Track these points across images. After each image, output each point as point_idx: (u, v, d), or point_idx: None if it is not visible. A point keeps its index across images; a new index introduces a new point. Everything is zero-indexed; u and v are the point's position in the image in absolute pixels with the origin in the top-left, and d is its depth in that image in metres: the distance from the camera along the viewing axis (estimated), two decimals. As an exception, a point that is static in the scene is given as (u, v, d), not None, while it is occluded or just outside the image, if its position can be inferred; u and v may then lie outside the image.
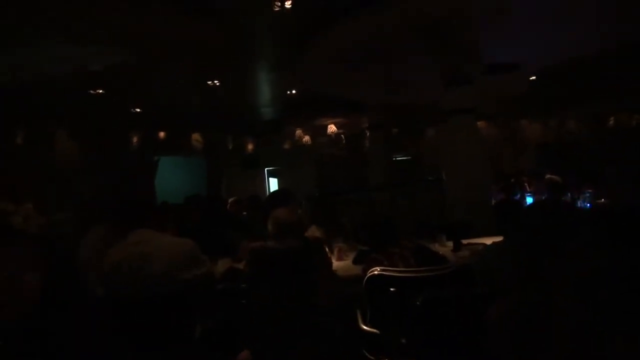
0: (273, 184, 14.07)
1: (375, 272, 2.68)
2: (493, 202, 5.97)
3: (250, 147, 12.72)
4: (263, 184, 13.76)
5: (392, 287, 2.62)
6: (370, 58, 6.77)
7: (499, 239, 2.77)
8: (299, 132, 11.77)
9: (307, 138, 11.84)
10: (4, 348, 1.09)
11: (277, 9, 5.45)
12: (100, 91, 8.10)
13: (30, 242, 1.26)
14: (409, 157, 13.21)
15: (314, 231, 3.88)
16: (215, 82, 8.05)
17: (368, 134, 11.17)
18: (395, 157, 12.38)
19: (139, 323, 2.26)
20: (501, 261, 2.36)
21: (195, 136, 11.42)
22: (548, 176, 6.40)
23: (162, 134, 11.23)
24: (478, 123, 7.00)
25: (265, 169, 13.94)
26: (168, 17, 5.53)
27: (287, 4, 5.42)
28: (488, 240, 3.76)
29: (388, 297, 2.63)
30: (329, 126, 11.38)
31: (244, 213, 6.28)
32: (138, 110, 9.69)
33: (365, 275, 2.75)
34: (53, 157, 10.37)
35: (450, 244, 4.19)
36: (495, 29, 5.76)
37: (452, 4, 5.27)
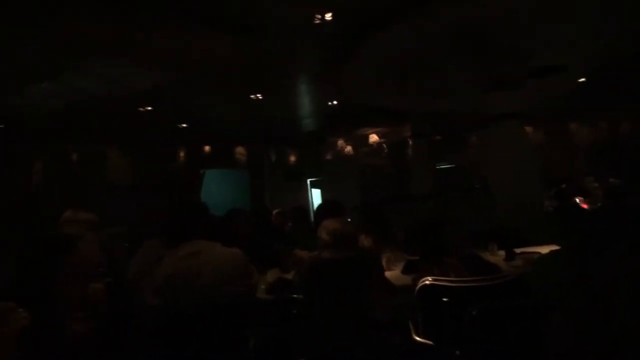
0: (316, 195, 14.12)
1: (427, 282, 2.63)
2: (544, 209, 5.76)
3: (292, 159, 12.84)
4: (306, 196, 13.82)
5: (444, 297, 2.56)
6: (412, 66, 6.72)
7: (554, 247, 2.66)
8: (341, 142, 11.79)
9: (349, 148, 11.85)
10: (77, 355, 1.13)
11: (317, 21, 5.52)
12: (149, 108, 8.41)
13: (95, 252, 1.32)
14: (452, 165, 12.96)
15: (362, 241, 3.84)
16: (258, 95, 8.20)
17: (410, 142, 11.05)
18: (439, 166, 12.17)
19: (193, 333, 2.30)
20: (560, 270, 2.26)
21: (239, 149, 11.65)
22: (611, 180, 6.11)
23: (207, 148, 11.53)
24: (525, 127, 6.79)
25: (308, 180, 14.01)
26: (212, 36, 5.71)
27: (328, 17, 5.47)
28: (543, 249, 3.63)
29: (441, 307, 2.57)
30: (371, 136, 11.35)
31: (289, 224, 6.33)
32: (184, 125, 9.99)
33: (416, 285, 2.70)
34: (105, 173, 10.85)
35: (502, 253, 4.06)
36: (541, 29, 5.60)
37: (497, 6, 5.16)
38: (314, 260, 2.61)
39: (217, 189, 12.27)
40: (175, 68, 6.60)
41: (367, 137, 11.44)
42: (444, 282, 2.60)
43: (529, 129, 9.67)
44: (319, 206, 4.44)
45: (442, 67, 6.82)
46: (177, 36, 5.58)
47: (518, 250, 3.97)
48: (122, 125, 9.47)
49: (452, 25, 5.45)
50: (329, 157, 12.45)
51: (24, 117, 8.12)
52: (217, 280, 2.31)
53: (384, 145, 12.04)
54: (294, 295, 2.74)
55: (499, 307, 2.15)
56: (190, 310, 2.28)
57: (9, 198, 9.55)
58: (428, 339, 2.67)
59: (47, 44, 5.41)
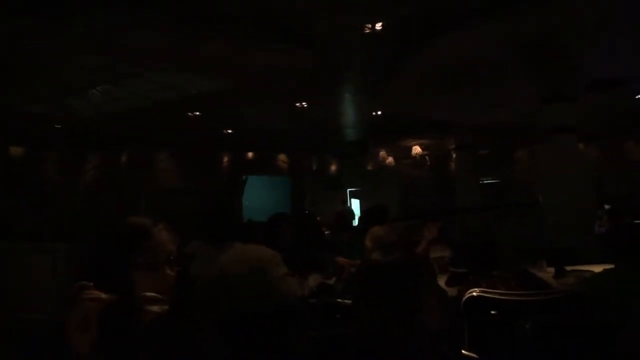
0: (355, 205, 14.08)
1: (475, 294, 2.57)
2: (597, 228, 5.53)
3: (333, 168, 12.87)
4: (345, 205, 13.80)
5: (492, 310, 2.50)
6: (461, 77, 6.63)
7: (607, 266, 2.57)
8: (383, 153, 11.73)
9: (390, 159, 11.77)
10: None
11: (367, 31, 5.55)
12: (197, 113, 8.66)
13: (168, 241, 1.37)
14: (497, 180, 12.63)
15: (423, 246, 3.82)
16: (304, 104, 8.29)
17: (454, 155, 10.87)
18: (483, 180, 11.90)
19: (239, 335, 2.34)
20: (619, 288, 2.18)
21: (282, 157, 11.79)
22: None
23: (250, 154, 11.74)
24: (579, 143, 6.56)
25: (348, 190, 13.99)
26: (261, 44, 5.83)
27: (378, 26, 5.49)
28: (595, 268, 3.49)
29: (488, 320, 2.51)
30: (414, 147, 11.22)
31: (327, 232, 6.36)
32: (230, 131, 10.21)
33: (462, 297, 2.65)
34: (153, 176, 11.23)
35: (550, 270, 3.93)
36: (598, 43, 5.42)
37: (554, 18, 5.03)
38: (366, 263, 2.62)
39: (258, 195, 12.45)
40: (225, 75, 6.77)
41: (409, 149, 11.33)
42: (493, 294, 2.54)
43: (582, 144, 9.33)
44: (365, 212, 4.47)
45: (495, 79, 6.69)
46: (228, 44, 5.73)
47: (569, 268, 3.83)
48: (171, 129, 9.79)
49: (508, 36, 5.35)
50: (370, 167, 12.40)
51: (82, 119, 8.52)
52: (248, 279, 2.37)
53: (427, 157, 11.89)
54: (339, 300, 2.76)
55: (554, 322, 2.08)
56: (233, 310, 2.34)
57: (65, 195, 10.04)
58: (473, 352, 2.60)
59: (112, 51, 5.68)
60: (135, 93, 7.41)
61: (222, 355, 1.38)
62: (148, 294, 1.15)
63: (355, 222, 12.51)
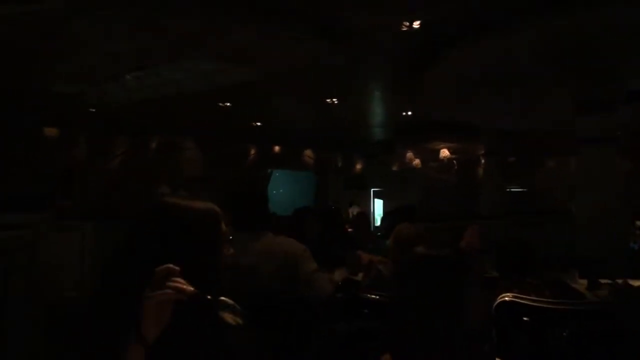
0: (378, 205, 14.02)
1: (507, 299, 2.51)
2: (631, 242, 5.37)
3: (358, 166, 12.82)
4: (368, 204, 13.75)
5: (525, 317, 2.44)
6: (496, 81, 6.51)
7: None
8: (409, 154, 11.62)
9: (417, 161, 11.65)
10: None
11: (404, 28, 5.48)
12: (228, 104, 8.72)
13: None
14: (524, 189, 12.40)
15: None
16: (334, 100, 8.26)
17: (483, 161, 10.71)
18: (510, 188, 11.70)
19: (271, 326, 2.34)
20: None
21: (308, 152, 11.79)
22: None
23: (277, 148, 11.78)
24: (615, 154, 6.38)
25: (372, 190, 13.93)
26: (296, 37, 5.82)
27: (415, 25, 5.42)
28: (634, 282, 3.40)
29: (519, 326, 2.46)
30: (442, 150, 11.09)
31: (349, 229, 6.34)
32: (258, 124, 10.25)
33: (494, 301, 2.59)
34: (179, 164, 11.36)
35: (582, 281, 3.83)
36: (638, 52, 5.25)
37: (593, 26, 4.90)
38: (412, 256, 2.60)
39: (282, 189, 12.50)
40: (257, 67, 6.78)
41: (437, 152, 11.20)
42: (525, 300, 2.47)
43: (618, 156, 9.07)
44: (394, 210, 4.44)
45: (529, 85, 6.56)
46: (262, 36, 5.73)
47: (603, 281, 3.73)
48: (200, 118, 9.87)
49: (545, 42, 5.23)
50: (395, 168, 12.31)
51: (115, 104, 8.66)
52: (281, 271, 2.37)
53: (454, 161, 11.73)
54: (370, 295, 2.74)
55: (590, 332, 2.02)
56: (261, 301, 2.34)
57: (94, 177, 10.25)
58: (502, 358, 2.55)
59: (145, 37, 5.75)
60: (167, 80, 7.49)
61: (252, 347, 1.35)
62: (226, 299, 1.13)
63: (377, 222, 12.45)
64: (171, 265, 1.01)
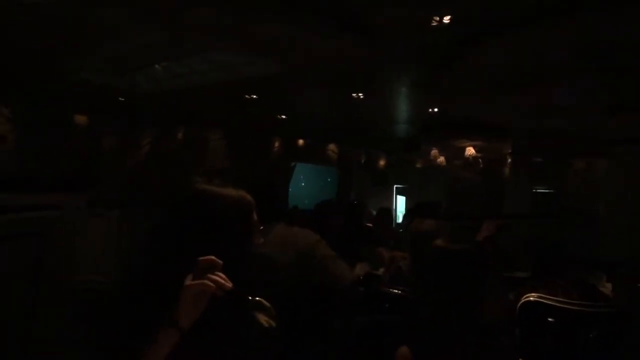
0: (400, 202, 13.95)
1: (532, 298, 2.48)
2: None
3: (382, 162, 12.76)
4: (390, 201, 13.70)
5: (550, 317, 2.41)
6: (525, 79, 6.39)
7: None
8: (434, 152, 11.50)
9: (442, 159, 11.51)
10: None
11: (434, 23, 5.40)
12: (254, 96, 8.75)
13: None
14: (551, 190, 12.16)
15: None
16: (360, 95, 8.22)
17: (509, 160, 10.54)
18: (536, 189, 11.49)
19: (291, 319, 2.36)
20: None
21: (332, 147, 11.79)
22: None
23: (300, 142, 11.80)
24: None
25: (395, 186, 13.87)
26: (323, 30, 5.80)
27: (446, 19, 5.34)
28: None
29: (544, 326, 2.42)
30: (468, 149, 10.93)
31: (369, 225, 6.34)
32: (283, 117, 10.29)
33: (519, 300, 2.57)
34: (205, 155, 11.49)
35: (608, 285, 3.77)
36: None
37: (626, 26, 4.74)
38: (427, 250, 2.59)
39: (305, 183, 12.53)
40: (284, 59, 6.79)
41: (463, 150, 11.04)
42: (552, 300, 2.44)
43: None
44: (417, 206, 4.42)
45: (560, 84, 6.42)
46: (290, 28, 5.73)
47: (630, 284, 3.64)
48: (227, 110, 9.96)
49: (577, 40, 5.10)
50: (419, 165, 12.20)
51: (144, 93, 8.79)
52: (291, 260, 2.39)
53: (480, 160, 11.56)
54: (391, 290, 2.74)
55: (618, 335, 1.98)
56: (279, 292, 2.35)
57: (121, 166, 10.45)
58: (523, 357, 2.53)
59: (176, 28, 5.80)
60: (195, 71, 7.56)
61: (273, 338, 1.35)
62: (262, 300, 1.14)
63: (399, 219, 12.39)
64: (214, 258, 1.02)
